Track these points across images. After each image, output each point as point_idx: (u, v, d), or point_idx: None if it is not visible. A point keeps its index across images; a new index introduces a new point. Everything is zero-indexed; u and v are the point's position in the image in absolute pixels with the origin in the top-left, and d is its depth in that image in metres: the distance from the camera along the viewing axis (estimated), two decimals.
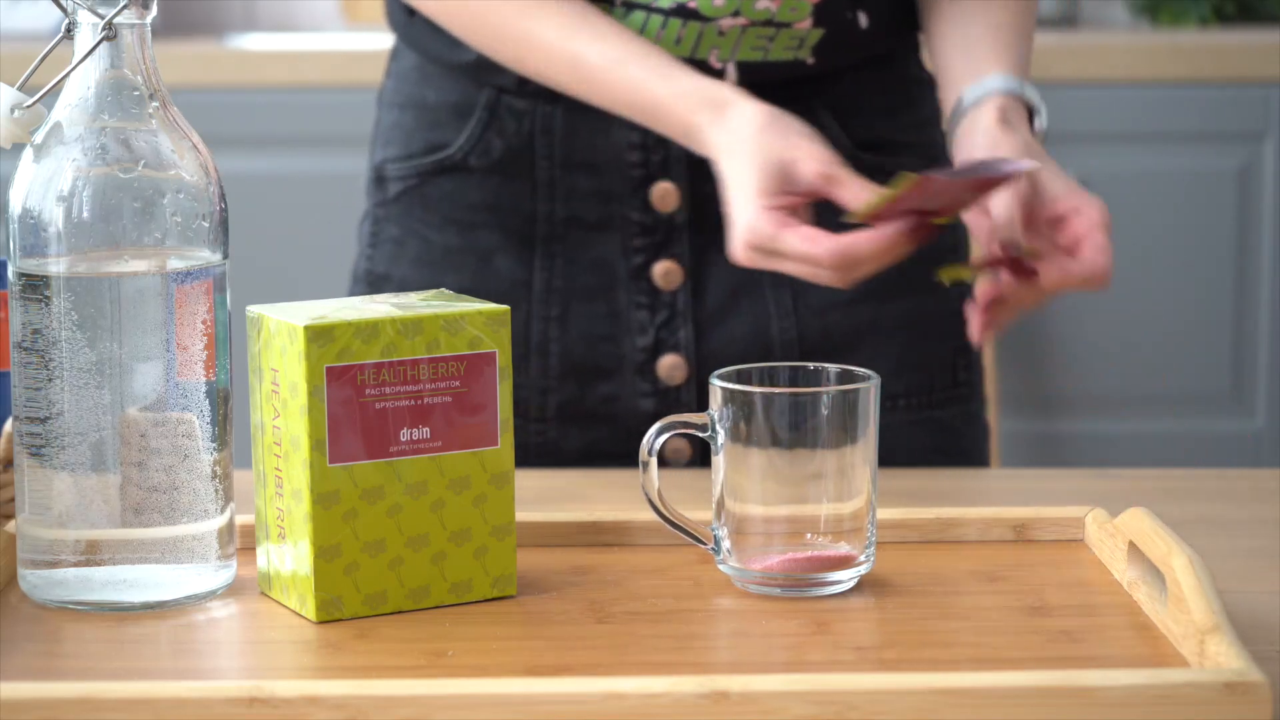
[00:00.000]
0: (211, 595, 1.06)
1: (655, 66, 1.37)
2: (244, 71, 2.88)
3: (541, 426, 1.51)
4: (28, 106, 1.06)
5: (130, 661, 0.98)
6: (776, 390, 1.07)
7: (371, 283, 1.56)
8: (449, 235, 1.52)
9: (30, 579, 1.05)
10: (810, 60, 1.45)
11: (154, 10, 1.06)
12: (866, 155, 1.49)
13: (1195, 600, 0.96)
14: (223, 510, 1.06)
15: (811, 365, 1.10)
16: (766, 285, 1.49)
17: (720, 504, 1.08)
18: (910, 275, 1.50)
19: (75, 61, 1.05)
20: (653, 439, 1.08)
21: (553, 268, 1.50)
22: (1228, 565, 1.14)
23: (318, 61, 2.87)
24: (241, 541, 1.13)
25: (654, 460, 1.08)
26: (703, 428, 1.08)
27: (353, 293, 1.57)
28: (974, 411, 1.56)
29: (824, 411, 1.06)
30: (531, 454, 1.51)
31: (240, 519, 1.14)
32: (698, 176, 1.46)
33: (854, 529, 1.07)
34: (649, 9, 1.41)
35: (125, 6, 1.04)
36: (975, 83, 1.39)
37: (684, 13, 1.41)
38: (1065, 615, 1.03)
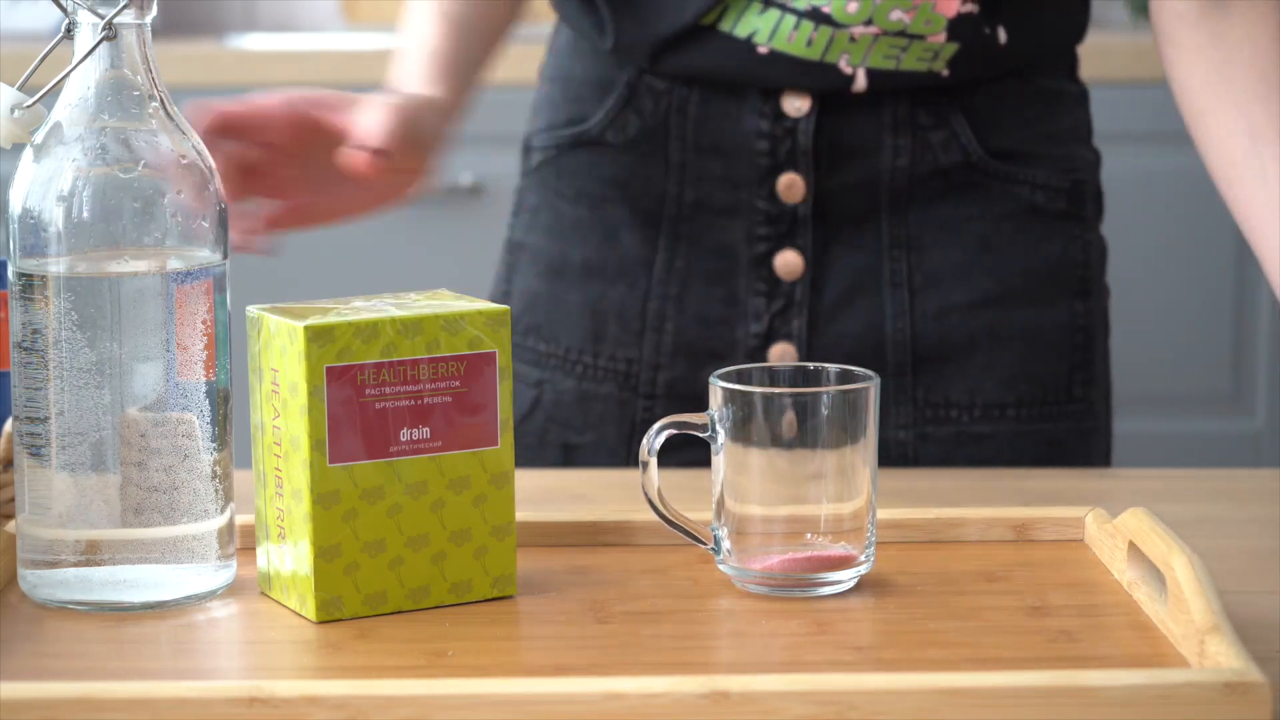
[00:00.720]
0: (211, 595, 1.06)
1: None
2: (244, 71, 2.88)
3: (649, 404, 1.51)
4: (28, 106, 1.06)
5: (130, 661, 0.98)
6: (776, 390, 1.07)
7: (510, 250, 1.58)
8: (580, 208, 1.53)
9: (30, 579, 1.05)
10: (945, 73, 1.45)
11: (154, 10, 1.06)
12: (999, 164, 1.49)
13: (1195, 600, 0.96)
14: (223, 510, 1.06)
15: (811, 365, 1.10)
16: (886, 285, 1.49)
17: (720, 504, 1.08)
18: (1035, 286, 1.50)
19: (75, 61, 1.05)
20: (653, 438, 1.08)
21: (676, 248, 1.50)
22: (1228, 565, 1.14)
23: (318, 61, 2.87)
24: (241, 541, 1.13)
25: (654, 460, 1.08)
26: (703, 428, 1.08)
27: (503, 259, 1.60)
28: (1089, 428, 1.55)
29: (824, 411, 1.06)
30: (637, 430, 1.51)
31: (240, 519, 1.14)
32: (824, 170, 1.47)
33: (854, 529, 1.07)
34: (784, 8, 1.42)
35: (125, 6, 1.04)
36: None
37: (817, 16, 1.41)
38: (1065, 615, 1.03)
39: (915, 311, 1.49)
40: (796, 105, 1.45)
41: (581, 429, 1.53)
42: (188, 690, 0.88)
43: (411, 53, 1.47)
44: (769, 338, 1.49)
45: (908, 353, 1.49)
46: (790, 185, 1.47)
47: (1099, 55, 2.87)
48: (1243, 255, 2.88)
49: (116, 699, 0.88)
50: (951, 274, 1.49)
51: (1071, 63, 1.54)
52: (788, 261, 1.49)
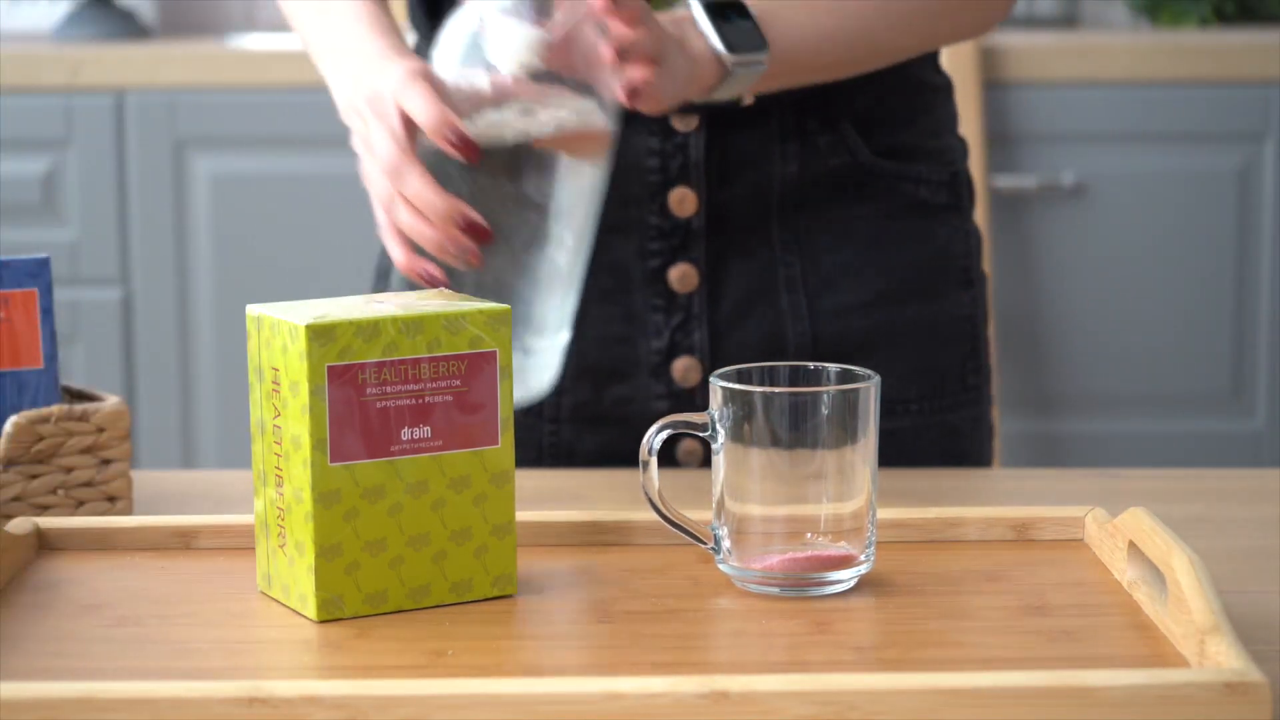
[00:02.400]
0: None
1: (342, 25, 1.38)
2: (244, 71, 2.88)
3: (555, 427, 1.51)
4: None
5: (130, 661, 0.98)
6: (776, 390, 1.07)
7: (382, 278, 1.56)
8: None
9: None
10: None
11: None
12: (885, 162, 1.50)
13: (1195, 600, 0.96)
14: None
15: (812, 365, 1.10)
16: (782, 289, 1.49)
17: (720, 504, 1.08)
18: (926, 280, 1.51)
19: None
20: (653, 438, 1.08)
21: None
22: (1228, 565, 1.15)
23: None
24: (242, 541, 1.14)
25: (654, 460, 1.08)
26: (703, 427, 1.08)
27: (375, 289, 1.57)
28: (980, 414, 1.57)
29: (824, 411, 1.06)
30: (545, 455, 1.51)
31: (240, 519, 1.14)
32: (715, 182, 1.47)
33: (854, 529, 1.07)
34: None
35: None
36: None
37: None
38: (1065, 615, 1.03)
39: (813, 314, 1.49)
40: (686, 121, 1.45)
41: None
42: (188, 690, 0.89)
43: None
44: (671, 352, 1.49)
45: (809, 355, 1.49)
46: (682, 199, 1.47)
47: (1099, 55, 2.87)
48: (1243, 255, 2.88)
49: (116, 699, 0.88)
50: (845, 274, 1.50)
51: (936, 54, 1.55)
52: (682, 274, 1.49)
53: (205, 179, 2.87)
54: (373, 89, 1.28)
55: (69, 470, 1.25)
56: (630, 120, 1.46)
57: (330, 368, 1.02)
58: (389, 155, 1.25)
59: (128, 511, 1.28)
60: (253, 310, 1.06)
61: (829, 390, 1.07)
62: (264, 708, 0.88)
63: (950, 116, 1.56)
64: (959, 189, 1.55)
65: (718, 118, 1.46)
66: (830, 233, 1.50)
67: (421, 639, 1.01)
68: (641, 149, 1.47)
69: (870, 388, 1.07)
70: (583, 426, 1.50)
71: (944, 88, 1.56)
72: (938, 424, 1.53)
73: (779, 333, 1.49)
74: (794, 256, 1.49)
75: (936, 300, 1.52)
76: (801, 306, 1.50)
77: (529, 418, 1.51)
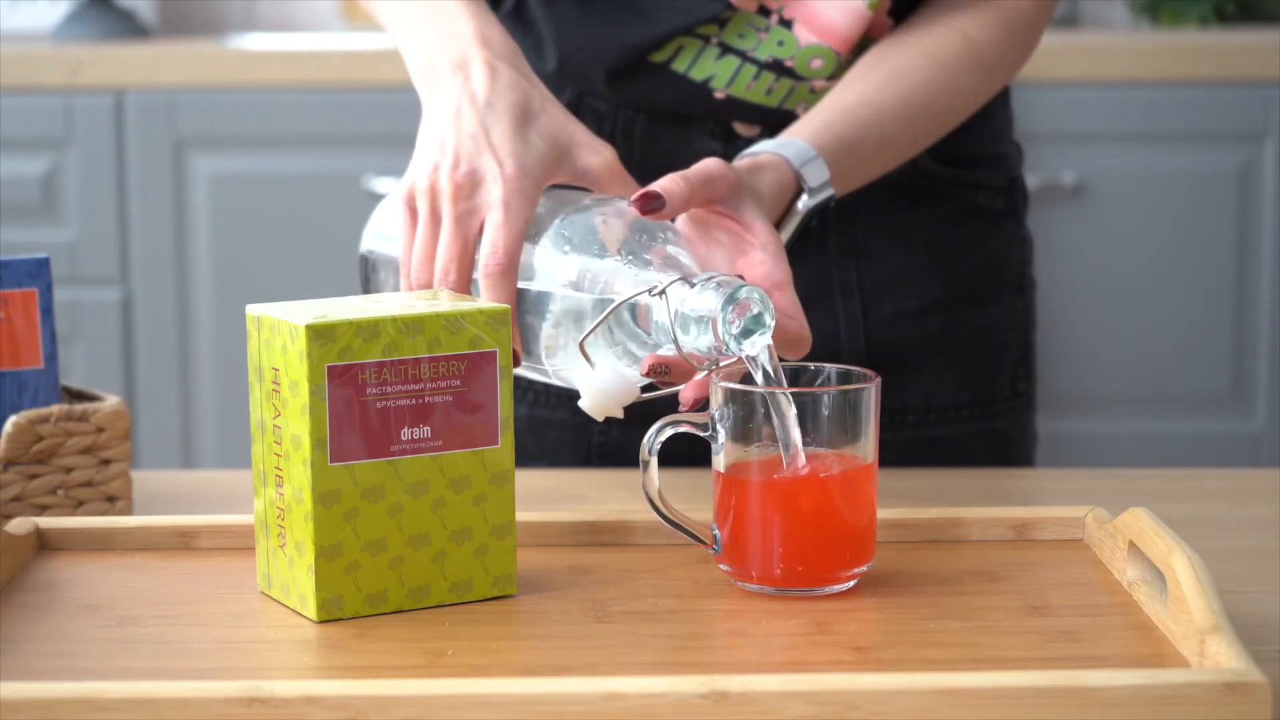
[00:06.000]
0: None
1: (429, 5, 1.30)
2: (244, 71, 2.88)
3: (605, 427, 1.50)
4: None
5: (130, 661, 0.98)
6: (777, 390, 1.07)
7: None
8: None
9: None
10: None
11: None
12: (944, 168, 1.49)
13: (1195, 600, 0.96)
14: None
15: (812, 365, 1.10)
16: (838, 294, 1.48)
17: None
18: (982, 286, 1.50)
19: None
20: (653, 438, 1.08)
21: None
22: (1228, 565, 1.15)
23: (318, 61, 2.88)
24: (242, 541, 1.14)
25: (654, 460, 1.08)
26: (703, 427, 1.08)
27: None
28: (1027, 421, 1.56)
29: (824, 411, 1.06)
30: (594, 455, 1.51)
31: (240, 519, 1.14)
32: None
33: None
34: (744, 57, 1.41)
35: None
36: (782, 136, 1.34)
37: (779, 69, 1.41)
38: (1065, 615, 1.03)
39: (868, 319, 1.48)
40: (748, 126, 1.44)
41: (536, 454, 1.51)
42: (188, 690, 0.89)
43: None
44: None
45: (863, 360, 1.48)
46: None
47: (1099, 55, 2.87)
48: (1243, 255, 2.88)
49: (116, 699, 0.88)
50: (901, 280, 1.49)
51: None
52: None
53: (205, 179, 2.87)
54: (471, 163, 1.20)
55: (69, 470, 1.25)
56: (691, 124, 1.45)
57: (330, 368, 1.02)
58: (445, 262, 1.19)
59: (127, 511, 1.28)
60: (253, 310, 1.06)
61: (829, 391, 1.07)
62: (264, 708, 0.88)
63: (1007, 121, 1.55)
64: (1015, 195, 1.54)
65: (782, 126, 1.45)
66: (886, 238, 1.48)
67: (421, 639, 1.01)
68: (704, 152, 1.45)
69: (870, 388, 1.07)
70: (634, 427, 1.50)
71: (1001, 93, 1.54)
72: (987, 430, 1.52)
73: (832, 337, 1.48)
74: (849, 260, 1.48)
75: (991, 306, 1.51)
76: (856, 311, 1.48)
77: (579, 417, 1.50)
